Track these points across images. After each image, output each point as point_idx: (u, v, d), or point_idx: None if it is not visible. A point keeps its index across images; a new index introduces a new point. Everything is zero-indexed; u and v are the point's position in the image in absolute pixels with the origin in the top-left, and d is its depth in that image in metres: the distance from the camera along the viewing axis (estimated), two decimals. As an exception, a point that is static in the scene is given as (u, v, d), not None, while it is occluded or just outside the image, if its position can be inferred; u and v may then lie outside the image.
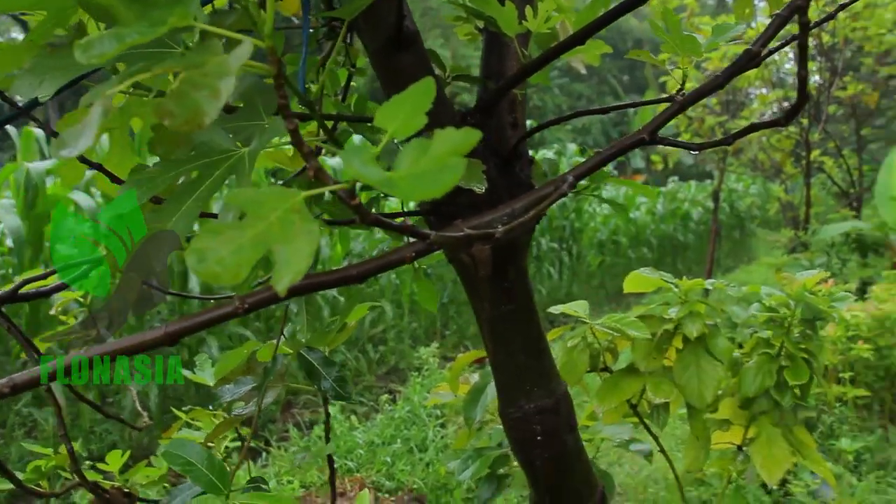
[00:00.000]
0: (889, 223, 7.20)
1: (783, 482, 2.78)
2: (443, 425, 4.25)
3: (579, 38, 0.72)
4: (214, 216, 0.75)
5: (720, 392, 1.52)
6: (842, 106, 7.72)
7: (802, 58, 0.59)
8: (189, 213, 0.56)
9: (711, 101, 7.41)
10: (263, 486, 0.85)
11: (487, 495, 1.63)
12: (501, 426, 1.01)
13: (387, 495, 3.66)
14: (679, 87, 0.79)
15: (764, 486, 2.80)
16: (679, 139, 0.79)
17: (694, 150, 0.75)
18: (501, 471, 1.66)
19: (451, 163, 0.35)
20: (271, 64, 0.42)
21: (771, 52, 0.71)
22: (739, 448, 1.49)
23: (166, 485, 1.30)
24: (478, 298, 0.92)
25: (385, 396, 4.82)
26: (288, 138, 0.50)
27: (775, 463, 1.42)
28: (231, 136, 0.59)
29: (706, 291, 1.53)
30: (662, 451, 1.45)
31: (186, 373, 1.23)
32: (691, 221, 11.57)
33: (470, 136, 0.36)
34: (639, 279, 1.50)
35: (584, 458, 0.99)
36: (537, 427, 0.92)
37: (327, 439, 1.30)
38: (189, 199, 0.57)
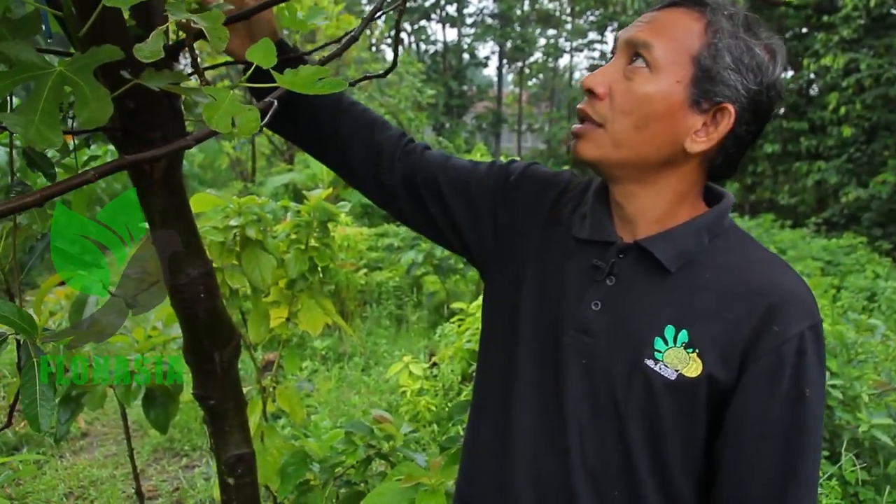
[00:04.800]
0: (318, 175, 8.69)
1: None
2: None
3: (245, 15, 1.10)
4: None
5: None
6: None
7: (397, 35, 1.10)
8: (47, 116, 0.78)
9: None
10: None
11: (66, 416, 1.82)
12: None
13: None
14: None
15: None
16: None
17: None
18: (75, 392, 1.86)
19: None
20: None
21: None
22: (288, 319, 2.02)
23: None
24: (151, 195, 1.21)
25: None
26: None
27: (314, 323, 2.00)
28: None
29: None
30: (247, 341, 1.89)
31: None
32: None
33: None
34: (204, 199, 1.89)
35: (227, 313, 1.38)
36: (201, 287, 1.28)
37: None
38: (40, 103, 0.79)
